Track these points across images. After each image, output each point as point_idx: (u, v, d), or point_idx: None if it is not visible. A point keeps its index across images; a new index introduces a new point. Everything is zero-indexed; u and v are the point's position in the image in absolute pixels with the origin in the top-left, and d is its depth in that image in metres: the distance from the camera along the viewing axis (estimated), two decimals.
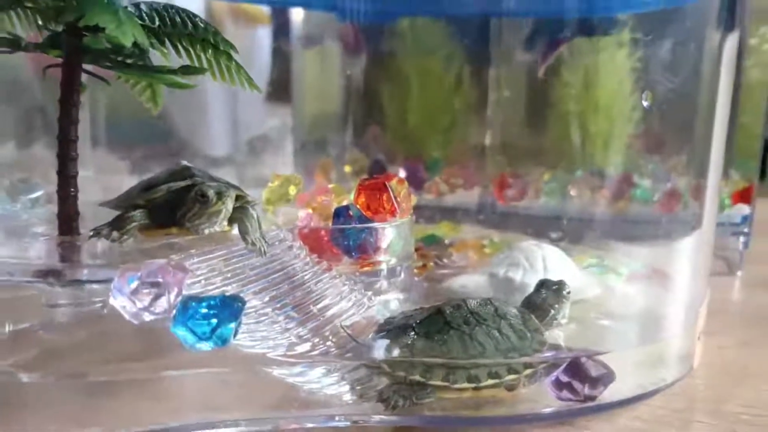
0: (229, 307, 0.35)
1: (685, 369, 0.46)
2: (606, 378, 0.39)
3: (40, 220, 0.48)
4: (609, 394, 0.40)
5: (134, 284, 0.34)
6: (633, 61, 0.77)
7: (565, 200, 0.79)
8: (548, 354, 0.39)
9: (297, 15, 0.93)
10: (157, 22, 0.40)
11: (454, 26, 0.85)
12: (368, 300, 0.46)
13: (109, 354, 0.41)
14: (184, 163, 0.43)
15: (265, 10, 0.96)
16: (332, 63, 0.95)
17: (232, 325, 0.35)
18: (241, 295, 0.39)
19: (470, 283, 0.54)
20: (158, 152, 0.80)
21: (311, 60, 0.96)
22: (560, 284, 0.44)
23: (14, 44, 0.40)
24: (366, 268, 0.49)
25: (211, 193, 0.38)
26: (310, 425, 0.39)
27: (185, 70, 0.42)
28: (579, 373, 0.39)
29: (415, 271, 0.54)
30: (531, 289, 0.45)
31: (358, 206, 0.49)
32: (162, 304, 0.35)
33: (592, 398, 0.39)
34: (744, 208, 0.79)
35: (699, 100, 0.56)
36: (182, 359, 0.37)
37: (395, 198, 0.49)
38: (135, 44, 0.38)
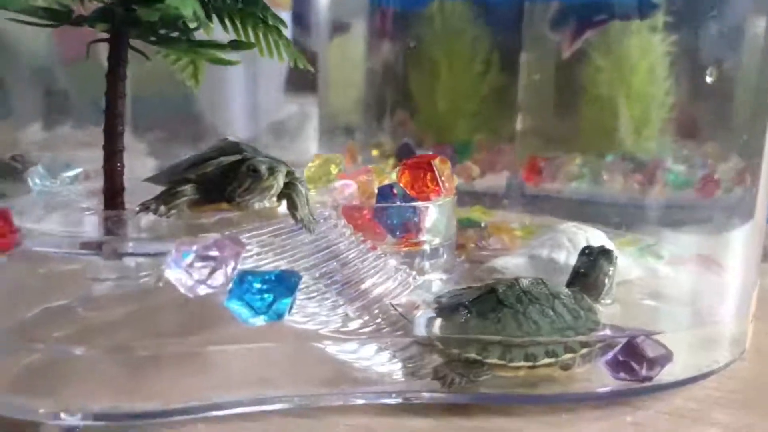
0: (286, 282, 0.35)
1: (738, 352, 0.45)
2: (664, 358, 0.39)
3: (79, 197, 0.48)
4: (663, 375, 0.39)
5: (190, 258, 0.34)
6: (667, 45, 0.76)
7: (597, 185, 0.78)
8: (605, 333, 0.39)
9: None
10: None
11: (483, 9, 0.84)
12: (413, 279, 0.46)
13: (156, 328, 0.41)
14: (232, 138, 0.42)
15: None
16: (358, 47, 0.94)
17: (288, 300, 0.35)
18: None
19: (510, 264, 0.54)
20: (178, 134, 0.80)
21: (337, 44, 0.95)
22: (606, 249, 0.43)
23: (63, 16, 0.39)
24: (408, 248, 0.49)
25: (263, 168, 0.38)
26: (360, 402, 0.38)
27: (235, 45, 0.41)
28: (636, 353, 0.38)
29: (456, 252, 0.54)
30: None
31: (401, 185, 0.48)
32: (218, 277, 0.34)
33: (650, 379, 0.39)
34: None
35: (749, 85, 0.55)
36: (231, 334, 0.37)
37: (440, 177, 0.48)
38: (184, 21, 0.37)
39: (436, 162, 0.49)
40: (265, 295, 0.34)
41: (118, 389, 0.37)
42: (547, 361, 0.37)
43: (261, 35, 0.42)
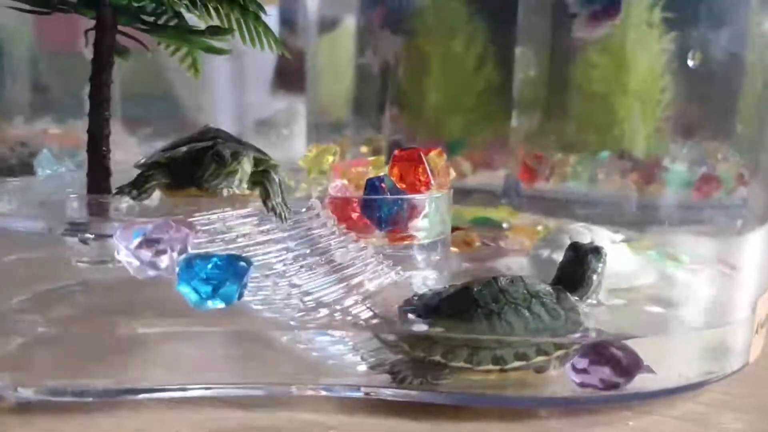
0: (234, 267, 0.36)
1: (740, 363, 0.43)
2: (635, 366, 0.37)
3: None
4: (660, 382, 0.39)
5: (138, 239, 0.36)
6: (665, 41, 0.78)
7: (593, 184, 0.80)
8: (578, 335, 0.38)
9: None
10: None
11: (478, 2, 0.86)
12: (397, 275, 0.46)
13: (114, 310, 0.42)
14: (210, 125, 0.44)
15: None
16: (349, 42, 0.96)
17: (235, 286, 0.36)
18: (264, 257, 0.40)
19: (514, 264, 0.54)
20: (166, 131, 0.81)
21: (327, 39, 0.97)
22: (596, 246, 0.42)
23: (51, 3, 0.41)
24: (398, 242, 0.49)
25: (226, 153, 0.39)
26: (319, 394, 0.39)
27: (213, 31, 0.42)
28: (604, 358, 0.37)
29: (454, 249, 0.55)
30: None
31: (392, 178, 0.49)
32: (164, 260, 0.36)
33: (616, 386, 0.37)
34: None
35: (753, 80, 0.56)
36: (193, 319, 0.38)
37: (431, 170, 0.49)
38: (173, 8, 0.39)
39: (431, 155, 0.49)
40: (213, 281, 0.36)
41: (78, 368, 0.39)
42: (517, 364, 0.36)
43: (241, 21, 0.43)
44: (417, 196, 0.49)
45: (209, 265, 0.36)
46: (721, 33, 0.78)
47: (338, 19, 0.96)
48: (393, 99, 0.90)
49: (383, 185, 0.48)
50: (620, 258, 0.51)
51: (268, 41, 0.44)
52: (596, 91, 0.80)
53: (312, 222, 0.45)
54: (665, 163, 0.78)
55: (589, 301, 0.42)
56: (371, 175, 0.50)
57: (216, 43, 0.44)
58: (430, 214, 0.49)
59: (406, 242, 0.49)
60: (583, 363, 0.38)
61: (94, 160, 0.42)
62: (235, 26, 0.43)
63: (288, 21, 0.98)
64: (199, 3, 0.42)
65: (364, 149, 0.87)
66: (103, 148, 0.42)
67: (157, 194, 0.42)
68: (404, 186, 0.49)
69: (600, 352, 0.37)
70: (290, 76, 0.99)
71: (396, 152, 0.50)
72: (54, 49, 0.77)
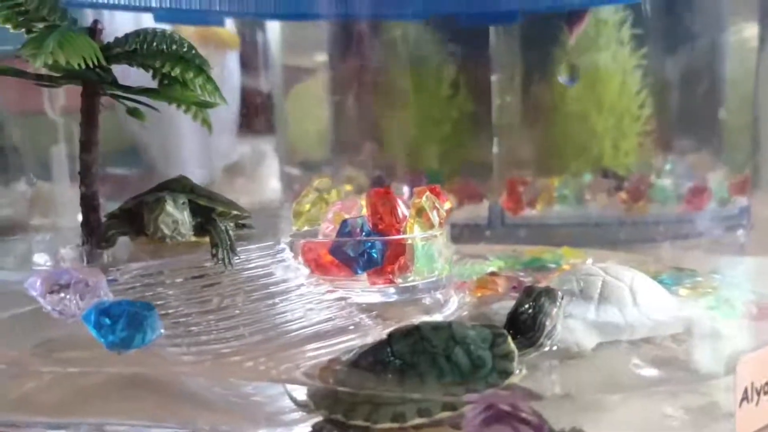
0: (135, 314, 0.43)
1: None
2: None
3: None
4: None
5: (46, 286, 0.44)
6: (638, 57, 0.92)
7: (581, 205, 0.91)
8: (474, 395, 0.38)
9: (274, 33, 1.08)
10: (134, 46, 0.51)
11: (448, 32, 0.98)
12: (370, 322, 0.50)
13: None
14: (180, 175, 0.53)
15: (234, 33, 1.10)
16: (319, 81, 1.09)
17: (138, 333, 0.42)
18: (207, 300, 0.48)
19: (504, 308, 0.52)
20: (132, 181, 0.93)
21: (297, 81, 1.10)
22: (550, 288, 0.44)
23: (49, 79, 0.52)
24: (379, 285, 0.54)
25: (149, 199, 0.48)
26: None
27: (141, 91, 0.52)
28: (502, 422, 0.35)
29: (469, 293, 0.59)
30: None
31: (369, 219, 0.55)
32: (71, 306, 0.44)
33: None
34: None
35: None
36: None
37: (403, 208, 0.55)
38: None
39: (430, 194, 0.56)
40: (115, 326, 0.43)
41: None
42: (417, 421, 0.37)
43: (182, 75, 0.51)
44: (394, 237, 0.54)
45: (109, 313, 0.42)
46: (693, 45, 0.92)
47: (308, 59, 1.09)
48: (370, 134, 1.03)
49: (353, 225, 0.55)
50: (647, 303, 0.50)
51: (209, 92, 0.52)
52: (573, 111, 0.93)
53: (275, 266, 0.53)
54: (651, 178, 0.91)
55: (549, 340, 0.43)
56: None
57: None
58: (417, 256, 0.55)
59: (385, 286, 0.54)
60: (473, 425, 0.36)
61: (87, 213, 0.53)
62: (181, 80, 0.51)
63: (252, 63, 1.11)
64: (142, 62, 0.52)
65: (348, 188, 0.96)
66: (94, 202, 0.53)
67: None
68: (382, 227, 0.55)
69: (497, 413, 0.35)
70: (259, 118, 1.11)
71: (369, 192, 0.56)
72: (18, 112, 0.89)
